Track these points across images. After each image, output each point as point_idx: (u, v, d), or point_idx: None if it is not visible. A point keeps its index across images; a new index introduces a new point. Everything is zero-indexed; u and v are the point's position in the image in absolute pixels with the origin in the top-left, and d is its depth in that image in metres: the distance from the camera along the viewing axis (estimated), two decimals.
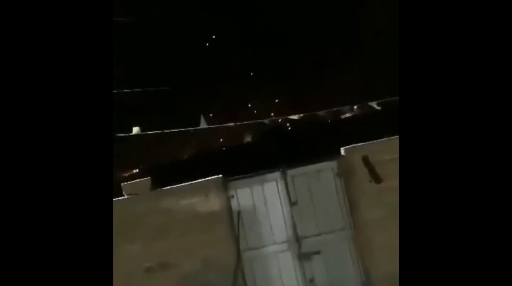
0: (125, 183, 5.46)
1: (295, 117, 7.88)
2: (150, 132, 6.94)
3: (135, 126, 6.86)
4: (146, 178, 5.49)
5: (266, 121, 8.44)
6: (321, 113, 7.44)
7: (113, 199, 5.33)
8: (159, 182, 5.55)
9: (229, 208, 5.40)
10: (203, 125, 6.99)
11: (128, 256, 5.14)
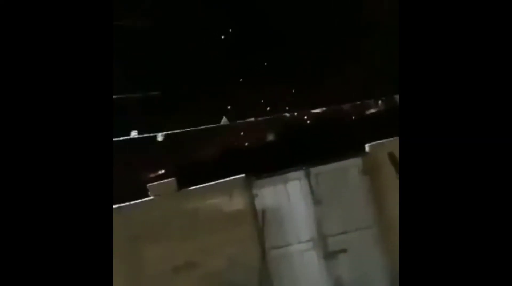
0: (152, 184, 5.56)
1: (317, 110, 7.79)
2: (172, 132, 7.04)
3: (159, 128, 6.96)
4: (171, 179, 5.57)
5: (287, 114, 8.40)
6: (344, 106, 7.35)
7: (140, 200, 5.47)
8: (184, 182, 5.61)
9: (253, 207, 5.41)
10: (224, 122, 7.06)
11: (155, 256, 5.23)
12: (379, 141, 5.43)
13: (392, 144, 5.32)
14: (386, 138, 5.42)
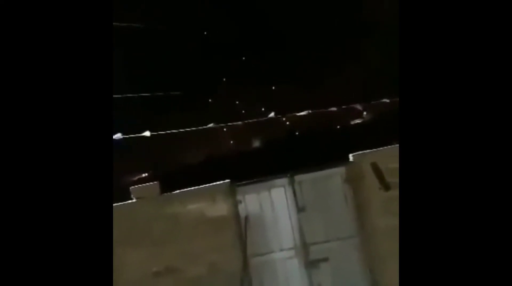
0: (134, 186, 5.49)
1: (303, 113, 7.82)
2: (157, 134, 6.98)
3: (143, 130, 6.91)
4: (154, 182, 5.51)
5: (272, 116, 8.43)
6: (331, 109, 7.40)
7: (122, 203, 5.39)
8: (167, 186, 5.56)
9: (236, 213, 5.39)
10: (209, 125, 7.09)
11: (136, 260, 5.15)
12: (363, 151, 5.49)
13: (375, 154, 5.38)
14: (371, 148, 5.49)
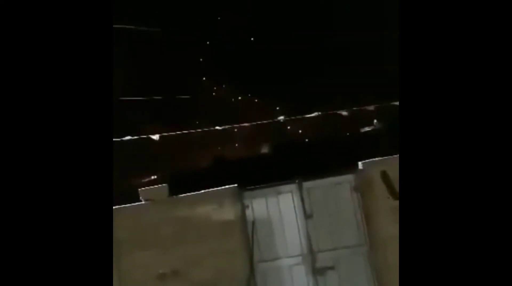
0: (143, 188, 5.51)
1: (313, 114, 7.78)
2: (166, 135, 7.02)
3: (153, 131, 6.96)
4: (163, 185, 5.53)
5: (281, 118, 8.43)
6: (342, 112, 7.37)
7: (130, 205, 5.42)
8: (175, 189, 5.58)
9: (243, 218, 5.38)
10: (218, 127, 7.15)
11: (142, 261, 5.17)
12: (372, 159, 5.45)
13: (385, 162, 5.33)
14: (380, 156, 5.44)
